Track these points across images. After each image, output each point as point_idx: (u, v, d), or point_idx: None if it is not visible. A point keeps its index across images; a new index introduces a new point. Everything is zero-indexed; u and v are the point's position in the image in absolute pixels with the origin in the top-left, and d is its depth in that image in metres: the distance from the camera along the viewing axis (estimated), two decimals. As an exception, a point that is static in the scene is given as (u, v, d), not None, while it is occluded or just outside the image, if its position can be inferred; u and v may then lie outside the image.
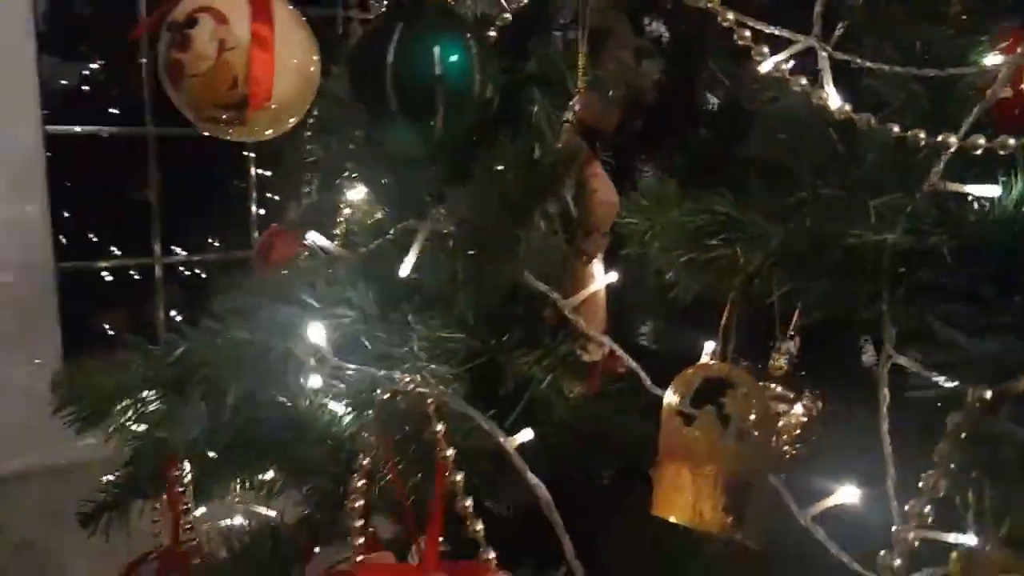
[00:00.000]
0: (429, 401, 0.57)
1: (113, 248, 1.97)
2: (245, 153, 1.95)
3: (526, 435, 0.60)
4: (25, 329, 1.72)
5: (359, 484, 0.56)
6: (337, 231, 0.76)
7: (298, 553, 0.74)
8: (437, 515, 0.60)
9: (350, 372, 0.58)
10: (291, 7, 0.61)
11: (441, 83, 0.49)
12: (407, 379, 0.53)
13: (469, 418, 0.56)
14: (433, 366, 0.60)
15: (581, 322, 0.64)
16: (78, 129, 1.81)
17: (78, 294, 1.84)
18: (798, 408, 0.76)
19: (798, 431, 0.75)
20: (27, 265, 1.71)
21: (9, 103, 1.63)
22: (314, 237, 0.71)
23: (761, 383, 0.73)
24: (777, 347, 0.76)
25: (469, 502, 0.60)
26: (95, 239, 1.97)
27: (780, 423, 0.74)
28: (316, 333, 0.58)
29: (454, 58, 0.49)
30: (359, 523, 0.57)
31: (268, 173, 1.99)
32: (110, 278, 1.97)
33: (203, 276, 2.09)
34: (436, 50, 0.49)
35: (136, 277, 1.97)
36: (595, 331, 0.65)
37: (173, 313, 1.96)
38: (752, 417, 0.63)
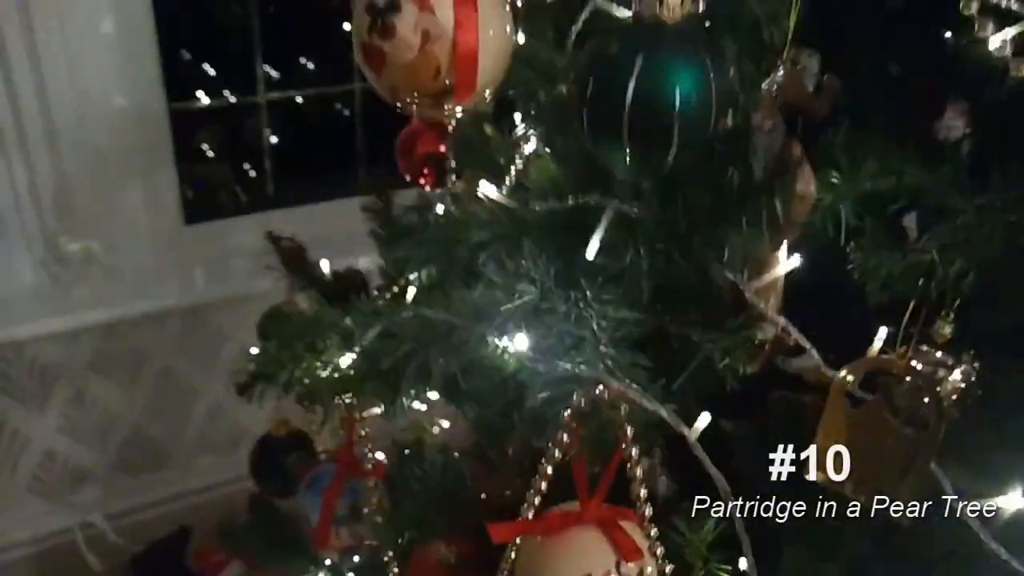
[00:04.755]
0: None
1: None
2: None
3: (703, 421, 0.62)
4: (146, 172, 1.77)
5: (547, 471, 0.60)
6: (505, 178, 0.76)
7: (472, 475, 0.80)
8: (610, 474, 0.64)
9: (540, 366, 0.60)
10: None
11: (681, 119, 0.47)
12: (599, 386, 0.56)
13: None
14: (614, 352, 0.62)
15: (762, 304, 0.64)
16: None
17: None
18: (956, 374, 0.77)
19: (955, 396, 0.77)
20: (142, 104, 1.73)
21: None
22: (487, 189, 0.70)
23: (924, 347, 0.74)
24: (944, 314, 0.75)
25: (640, 471, 0.65)
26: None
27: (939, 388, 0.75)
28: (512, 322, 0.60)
29: (695, 93, 0.46)
30: (537, 500, 0.62)
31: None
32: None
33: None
34: (678, 88, 0.46)
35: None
36: (772, 312, 0.65)
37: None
38: (923, 409, 0.65)
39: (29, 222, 1.64)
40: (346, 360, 0.73)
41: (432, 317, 0.62)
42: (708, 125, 0.48)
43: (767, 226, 0.59)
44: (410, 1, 0.53)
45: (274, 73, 1.98)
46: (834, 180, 0.63)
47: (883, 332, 0.66)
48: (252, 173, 2.07)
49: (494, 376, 0.68)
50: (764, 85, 0.61)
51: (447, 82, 0.54)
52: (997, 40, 0.58)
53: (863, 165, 0.63)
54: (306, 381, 0.77)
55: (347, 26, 1.97)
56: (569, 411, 0.57)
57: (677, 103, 0.46)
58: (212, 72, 1.98)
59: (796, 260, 0.65)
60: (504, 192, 0.72)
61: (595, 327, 0.65)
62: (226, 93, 1.96)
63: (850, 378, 0.66)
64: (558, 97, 0.64)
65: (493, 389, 0.71)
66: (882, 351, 0.66)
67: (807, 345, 0.66)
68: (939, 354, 0.77)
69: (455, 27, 0.53)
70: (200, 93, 1.93)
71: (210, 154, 2.04)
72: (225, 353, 1.91)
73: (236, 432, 1.98)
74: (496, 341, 0.62)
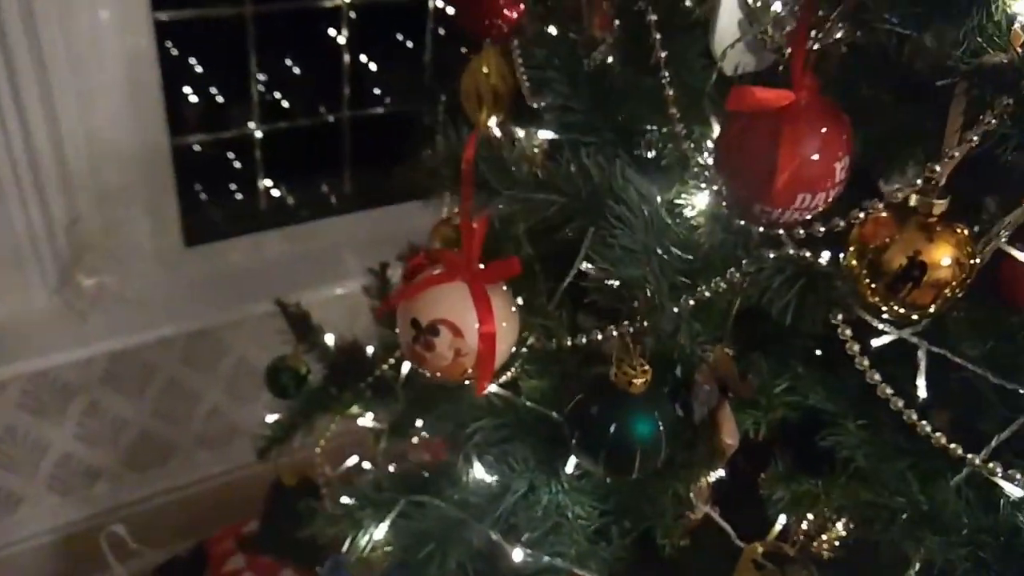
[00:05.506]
0: None
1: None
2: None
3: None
4: (150, 202, 1.90)
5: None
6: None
7: None
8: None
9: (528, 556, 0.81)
10: (502, 288, 0.75)
11: (641, 455, 0.66)
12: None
13: None
14: (582, 539, 0.83)
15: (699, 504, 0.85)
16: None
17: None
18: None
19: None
20: (147, 142, 1.84)
21: None
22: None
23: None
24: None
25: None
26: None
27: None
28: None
29: (652, 439, 0.66)
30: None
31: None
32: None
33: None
34: (640, 439, 0.66)
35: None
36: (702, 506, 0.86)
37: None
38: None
39: (46, 258, 1.78)
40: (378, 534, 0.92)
41: (448, 514, 0.82)
42: (660, 455, 0.68)
43: (703, 462, 0.79)
44: (446, 327, 0.70)
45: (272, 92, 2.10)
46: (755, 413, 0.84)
47: (782, 519, 0.88)
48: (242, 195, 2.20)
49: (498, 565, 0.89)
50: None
51: (471, 378, 0.72)
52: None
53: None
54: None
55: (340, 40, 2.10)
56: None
57: (639, 447, 0.66)
58: (213, 102, 2.08)
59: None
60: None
61: (569, 515, 0.86)
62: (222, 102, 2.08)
63: (759, 549, 0.88)
64: (548, 347, 0.83)
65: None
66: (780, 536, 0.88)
67: (727, 527, 0.87)
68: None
69: (479, 345, 0.71)
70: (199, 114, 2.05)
71: (208, 182, 2.16)
72: (225, 364, 2.08)
73: (231, 430, 2.18)
74: (494, 534, 0.83)
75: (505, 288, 0.75)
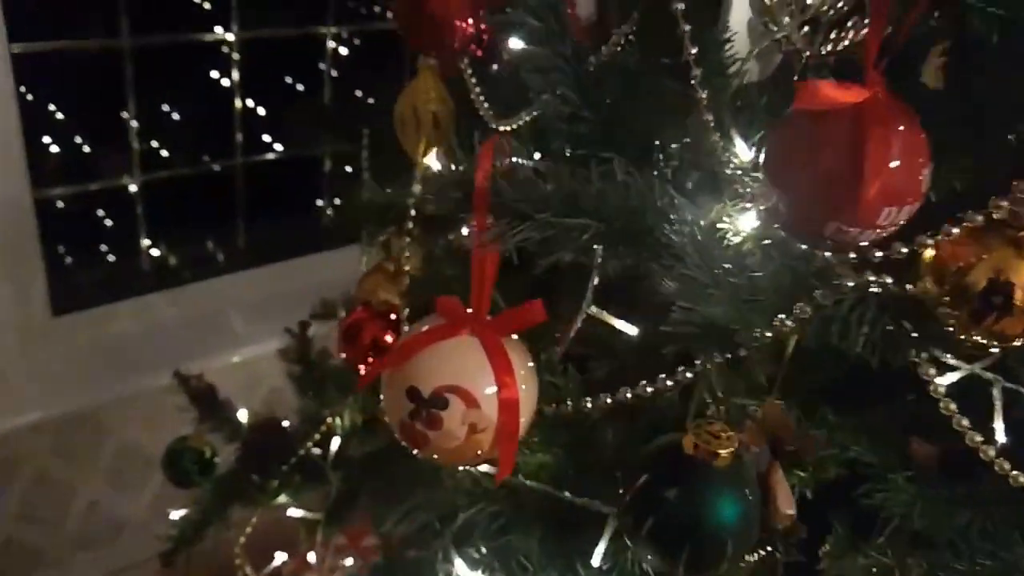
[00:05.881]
0: None
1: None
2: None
3: None
4: (11, 264, 1.63)
5: None
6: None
7: None
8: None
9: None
10: (515, 341, 0.59)
11: (733, 548, 0.51)
12: None
13: None
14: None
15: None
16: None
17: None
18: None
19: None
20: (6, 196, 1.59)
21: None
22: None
23: None
24: None
25: None
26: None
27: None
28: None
29: (744, 524, 0.51)
30: None
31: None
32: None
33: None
34: (731, 525, 0.51)
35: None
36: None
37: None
38: None
39: None
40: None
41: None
42: (751, 539, 0.53)
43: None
44: (458, 399, 0.54)
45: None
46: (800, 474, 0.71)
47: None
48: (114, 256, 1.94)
49: None
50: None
51: (487, 459, 0.56)
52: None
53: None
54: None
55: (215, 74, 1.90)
56: None
57: (730, 533, 0.51)
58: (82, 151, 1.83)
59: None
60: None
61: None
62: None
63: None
64: (561, 412, 0.67)
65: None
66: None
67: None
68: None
69: (499, 417, 0.54)
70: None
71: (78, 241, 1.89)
72: (105, 451, 1.80)
73: (116, 527, 1.88)
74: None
75: (516, 339, 0.59)
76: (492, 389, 0.55)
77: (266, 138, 2.07)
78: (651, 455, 0.56)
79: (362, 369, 1.03)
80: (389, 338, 1.01)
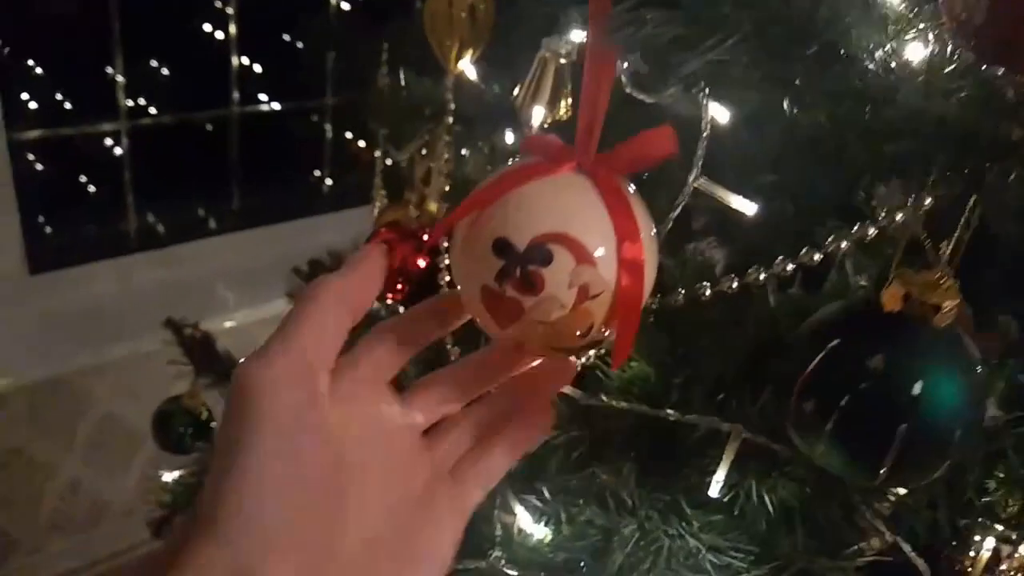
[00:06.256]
0: None
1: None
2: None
3: None
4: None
5: None
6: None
7: None
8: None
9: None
10: (634, 192, 0.44)
11: (960, 443, 0.37)
12: None
13: None
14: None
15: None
16: None
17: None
18: None
19: None
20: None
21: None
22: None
23: None
24: None
25: None
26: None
27: None
28: None
29: (974, 401, 0.37)
30: None
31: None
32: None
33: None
34: (960, 409, 0.36)
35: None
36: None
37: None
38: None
39: None
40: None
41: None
42: (981, 430, 0.39)
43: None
44: (566, 251, 0.38)
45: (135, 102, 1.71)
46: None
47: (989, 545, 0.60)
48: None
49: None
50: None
51: (597, 337, 0.41)
52: None
53: None
54: None
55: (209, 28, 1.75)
56: None
57: (959, 420, 0.37)
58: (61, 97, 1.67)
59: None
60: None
61: (709, 566, 0.55)
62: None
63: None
64: (667, 305, 0.53)
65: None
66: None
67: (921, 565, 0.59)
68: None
69: (622, 278, 0.39)
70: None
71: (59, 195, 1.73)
72: (85, 423, 1.64)
73: (97, 510, 1.72)
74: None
75: (633, 189, 0.44)
76: (610, 243, 0.39)
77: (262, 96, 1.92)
78: (824, 326, 0.41)
79: (390, 299, 0.88)
80: (422, 262, 0.86)
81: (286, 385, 0.33)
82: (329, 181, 2.05)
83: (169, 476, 1.01)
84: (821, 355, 0.39)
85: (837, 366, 0.39)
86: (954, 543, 0.63)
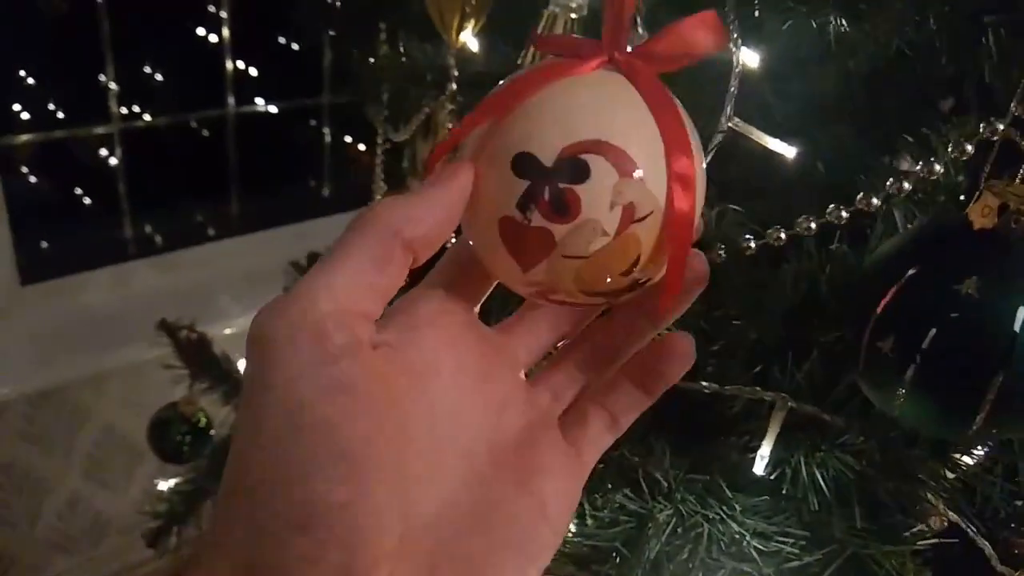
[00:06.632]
0: None
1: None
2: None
3: None
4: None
5: None
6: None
7: None
8: None
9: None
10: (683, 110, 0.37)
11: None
12: None
13: None
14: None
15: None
16: None
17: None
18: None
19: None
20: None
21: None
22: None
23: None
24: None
25: None
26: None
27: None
28: None
29: None
30: None
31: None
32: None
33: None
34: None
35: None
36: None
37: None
38: None
39: None
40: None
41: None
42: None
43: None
44: (606, 162, 0.31)
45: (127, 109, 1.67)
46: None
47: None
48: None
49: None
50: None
51: (641, 277, 0.34)
52: None
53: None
54: None
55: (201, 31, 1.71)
56: None
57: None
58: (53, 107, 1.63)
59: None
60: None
61: (754, 553, 0.50)
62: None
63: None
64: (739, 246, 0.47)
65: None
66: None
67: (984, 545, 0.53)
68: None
69: (675, 198, 0.32)
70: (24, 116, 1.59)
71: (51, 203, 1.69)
72: (84, 437, 1.59)
73: (99, 526, 1.67)
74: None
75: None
76: (657, 151, 0.32)
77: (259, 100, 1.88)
78: (898, 253, 0.35)
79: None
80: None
81: (301, 337, 0.26)
82: (329, 184, 2.00)
83: (165, 485, 0.95)
84: (897, 286, 0.34)
85: (920, 296, 0.33)
86: (1012, 525, 0.57)
